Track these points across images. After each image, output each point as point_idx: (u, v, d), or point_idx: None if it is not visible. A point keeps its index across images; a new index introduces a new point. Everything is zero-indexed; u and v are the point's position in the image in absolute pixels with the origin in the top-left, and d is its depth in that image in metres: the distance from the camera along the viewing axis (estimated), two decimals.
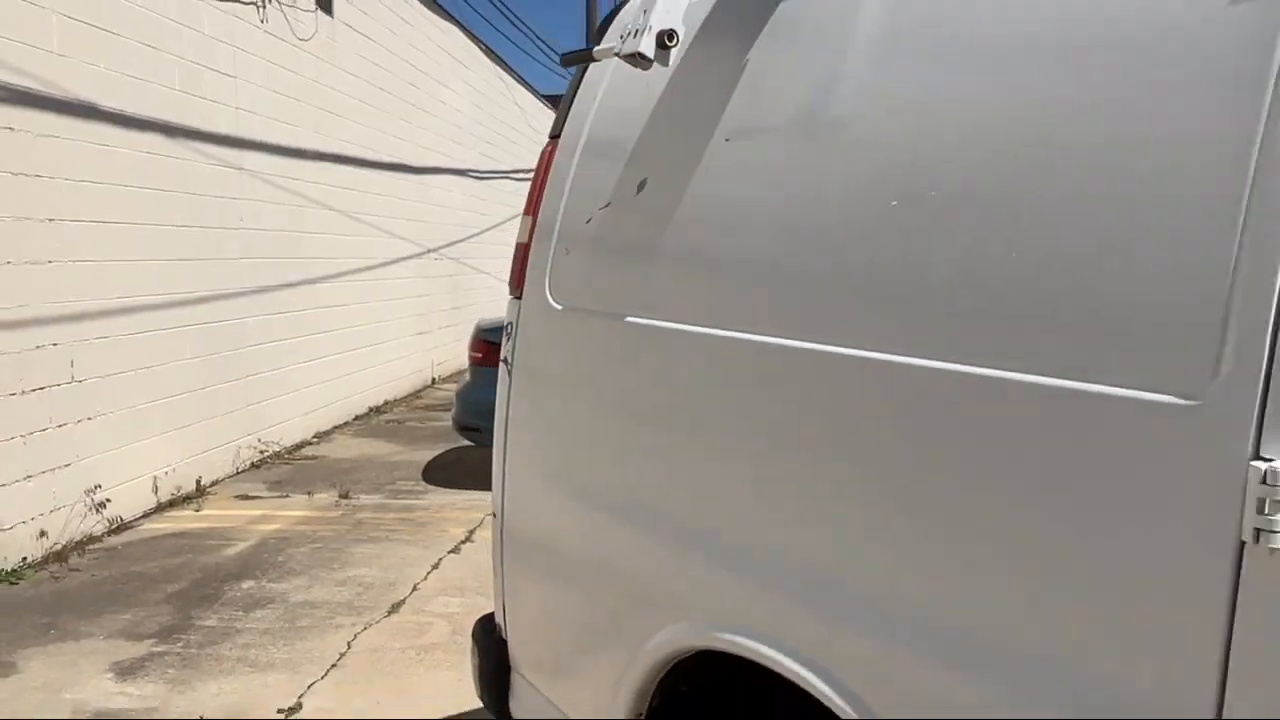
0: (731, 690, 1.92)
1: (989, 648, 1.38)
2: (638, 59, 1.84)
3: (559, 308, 2.37)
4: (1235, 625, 1.13)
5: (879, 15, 1.72)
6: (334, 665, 4.36)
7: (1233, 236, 1.16)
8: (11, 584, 5.37)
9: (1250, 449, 1.12)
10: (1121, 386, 1.24)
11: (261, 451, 8.37)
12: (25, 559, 5.63)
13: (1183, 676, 1.17)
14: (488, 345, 7.23)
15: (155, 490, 6.87)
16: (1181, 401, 1.18)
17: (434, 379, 13.06)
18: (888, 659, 1.53)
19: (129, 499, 6.56)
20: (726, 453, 1.87)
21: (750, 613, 1.78)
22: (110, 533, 6.28)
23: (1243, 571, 1.13)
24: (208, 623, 4.85)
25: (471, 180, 14.88)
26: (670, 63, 1.90)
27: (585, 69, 2.38)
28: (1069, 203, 1.34)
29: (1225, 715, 1.14)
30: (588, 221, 2.31)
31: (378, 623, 4.84)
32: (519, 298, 2.53)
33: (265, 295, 8.39)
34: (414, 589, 5.31)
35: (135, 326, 6.62)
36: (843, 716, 1.57)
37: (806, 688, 1.63)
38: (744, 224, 1.90)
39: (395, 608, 5.04)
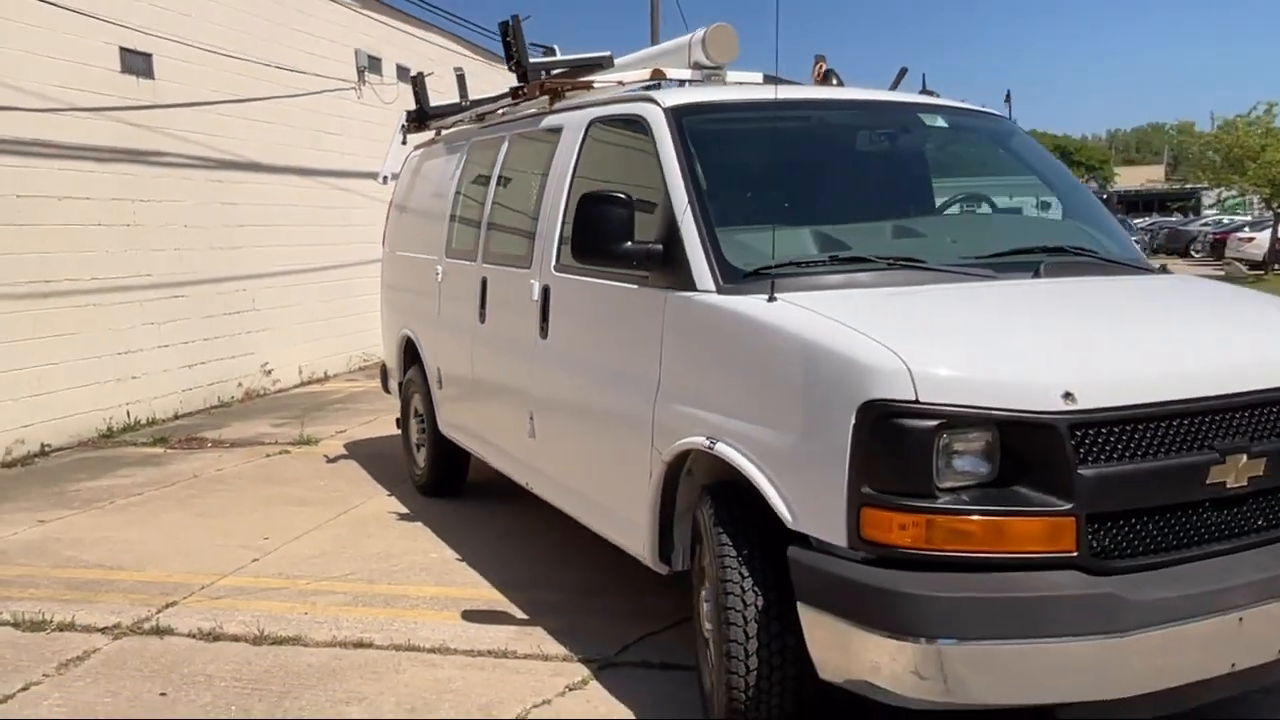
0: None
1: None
2: (384, 181, 6.92)
3: (386, 250, 7.51)
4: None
5: (445, 167, 6.76)
6: (364, 424, 9.65)
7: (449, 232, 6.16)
8: (228, 406, 10.93)
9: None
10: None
11: (365, 361, 13.84)
12: (232, 397, 11.19)
13: None
14: None
15: (299, 374, 12.40)
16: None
17: None
18: (434, 337, 6.56)
19: (284, 377, 12.09)
20: (419, 288, 6.93)
21: (413, 324, 6.85)
22: (275, 392, 11.82)
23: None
24: (317, 415, 10.24)
25: None
26: (396, 180, 6.97)
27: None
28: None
29: None
30: (394, 219, 7.44)
31: (390, 414, 10.13)
32: (383, 247, 7.67)
33: (364, 266, 13.79)
34: None
35: (287, 283, 12.12)
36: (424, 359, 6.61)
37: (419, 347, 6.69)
38: (423, 219, 6.95)
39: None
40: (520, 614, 4.75)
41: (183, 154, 10.60)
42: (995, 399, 2.82)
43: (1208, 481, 2.96)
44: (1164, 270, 4.18)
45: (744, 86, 4.48)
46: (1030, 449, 2.83)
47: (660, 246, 3.74)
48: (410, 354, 7.03)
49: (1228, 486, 3.00)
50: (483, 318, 5.50)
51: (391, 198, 7.57)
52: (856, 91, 4.70)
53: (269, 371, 11.79)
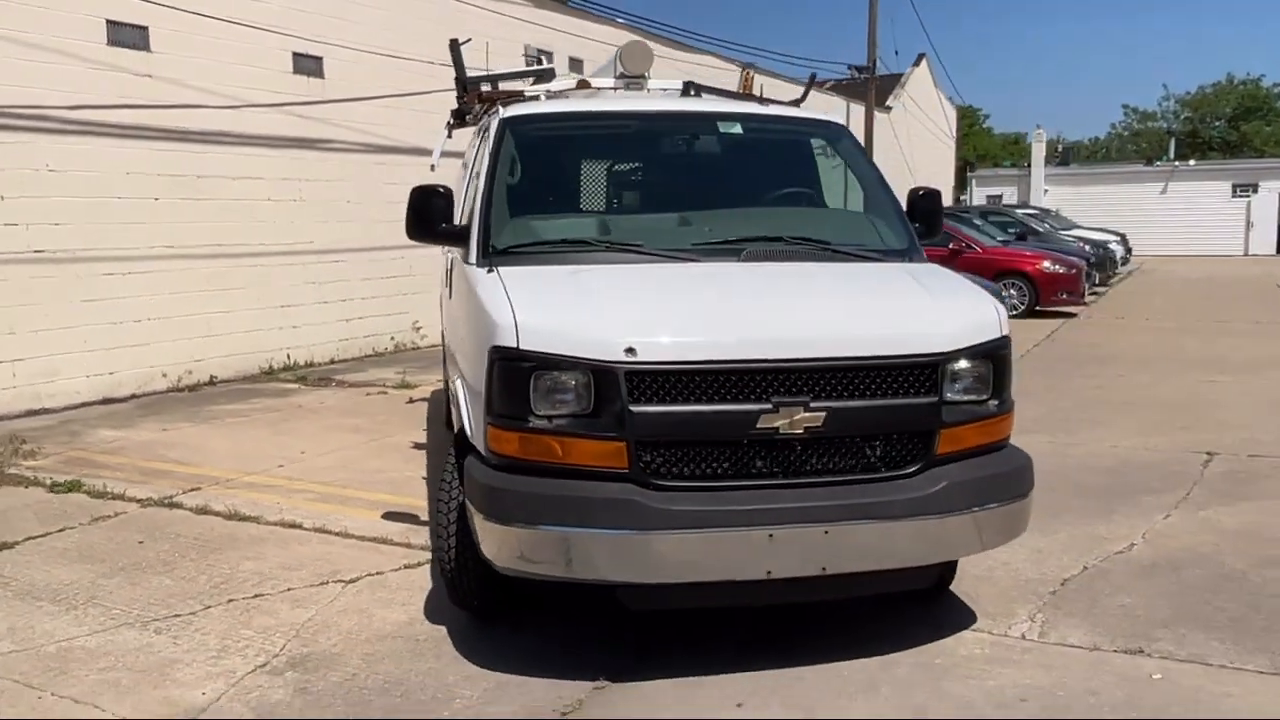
0: None
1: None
2: (432, 168, 8.29)
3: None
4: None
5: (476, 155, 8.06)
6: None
7: None
8: (379, 357, 12.85)
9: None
10: None
11: None
12: (385, 349, 13.13)
13: None
14: None
15: None
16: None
17: None
18: (443, 302, 7.91)
19: (434, 335, 13.89)
20: (441, 261, 8.30)
21: (441, 291, 8.23)
22: (424, 348, 13.66)
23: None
24: (420, 366, 11.88)
25: None
26: (439, 167, 8.33)
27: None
28: None
29: None
30: None
31: None
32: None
33: None
34: None
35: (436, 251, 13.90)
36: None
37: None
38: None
39: None
40: (423, 517, 5.99)
41: (348, 141, 12.57)
42: (575, 350, 3.74)
43: (758, 426, 3.73)
44: (909, 260, 4.73)
45: (587, 99, 5.41)
46: (604, 389, 3.73)
47: (464, 227, 4.83)
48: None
49: (780, 433, 3.75)
50: (448, 285, 6.75)
51: None
52: (673, 102, 5.52)
53: (418, 329, 13.66)
